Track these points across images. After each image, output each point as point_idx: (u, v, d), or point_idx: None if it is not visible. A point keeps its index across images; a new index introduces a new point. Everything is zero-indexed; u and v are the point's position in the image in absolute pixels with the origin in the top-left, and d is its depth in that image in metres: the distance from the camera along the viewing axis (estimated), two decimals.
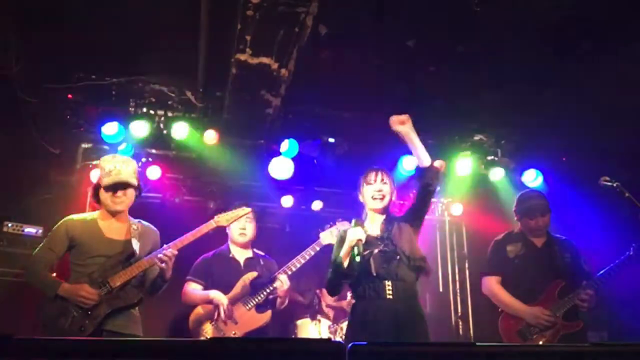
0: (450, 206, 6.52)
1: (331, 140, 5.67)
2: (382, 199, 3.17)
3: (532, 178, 5.87)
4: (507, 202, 5.10)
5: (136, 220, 3.40)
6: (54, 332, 2.96)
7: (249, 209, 3.61)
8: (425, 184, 3.12)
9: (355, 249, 2.93)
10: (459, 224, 6.74)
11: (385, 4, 3.97)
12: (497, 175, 5.89)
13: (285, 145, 5.47)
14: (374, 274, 3.01)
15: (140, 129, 5.05)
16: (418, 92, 4.86)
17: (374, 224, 3.21)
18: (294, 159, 5.50)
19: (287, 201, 5.94)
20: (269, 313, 4.06)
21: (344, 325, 4.26)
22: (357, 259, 2.92)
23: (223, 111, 5.01)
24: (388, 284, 3.00)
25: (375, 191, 3.18)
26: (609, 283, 3.73)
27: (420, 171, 3.15)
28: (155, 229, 3.46)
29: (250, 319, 3.97)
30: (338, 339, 4.43)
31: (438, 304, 6.42)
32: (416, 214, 3.21)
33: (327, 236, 4.17)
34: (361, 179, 3.26)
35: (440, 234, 6.76)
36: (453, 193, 6.36)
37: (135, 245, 3.23)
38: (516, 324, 3.73)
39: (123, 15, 4.04)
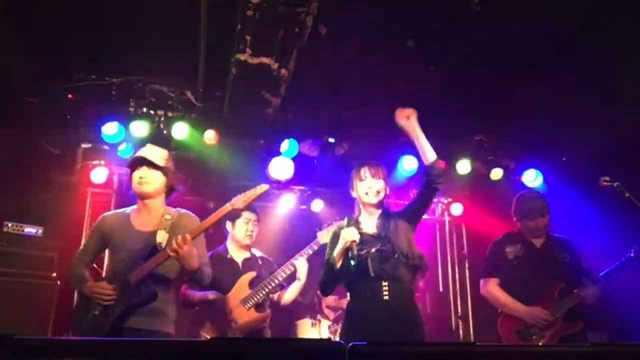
0: (450, 206, 6.51)
1: (331, 140, 5.68)
2: (377, 194, 3.04)
3: (532, 178, 5.87)
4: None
5: (176, 209, 3.18)
6: (78, 331, 2.93)
7: (267, 186, 3.17)
8: (429, 181, 3.00)
9: (350, 252, 2.82)
10: (459, 224, 6.74)
11: (386, 4, 3.97)
12: (497, 175, 5.89)
13: (285, 145, 5.47)
14: (371, 274, 2.91)
15: (140, 129, 5.05)
16: (418, 91, 4.86)
17: (369, 220, 3.09)
18: (294, 159, 5.50)
19: (287, 201, 5.94)
20: (268, 313, 4.06)
21: None
22: (352, 262, 2.80)
23: (223, 111, 5.02)
24: (385, 285, 2.91)
25: (368, 187, 3.04)
26: (609, 284, 3.71)
27: (425, 168, 3.04)
28: (194, 216, 3.19)
29: (249, 319, 3.97)
30: (338, 339, 4.42)
31: (438, 304, 6.42)
32: (416, 211, 3.12)
33: (325, 235, 4.15)
34: (353, 174, 3.13)
35: (440, 234, 6.77)
36: (453, 193, 6.37)
37: (161, 236, 3.00)
38: (515, 325, 3.70)
39: (123, 15, 4.04)
